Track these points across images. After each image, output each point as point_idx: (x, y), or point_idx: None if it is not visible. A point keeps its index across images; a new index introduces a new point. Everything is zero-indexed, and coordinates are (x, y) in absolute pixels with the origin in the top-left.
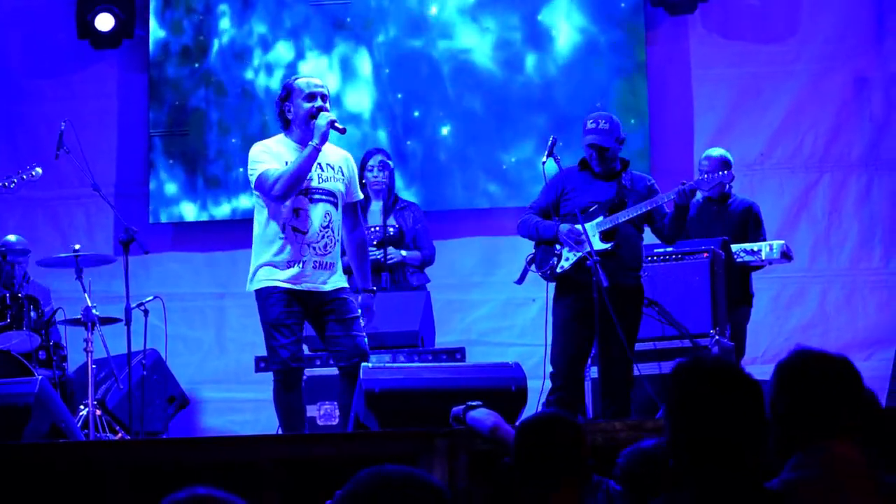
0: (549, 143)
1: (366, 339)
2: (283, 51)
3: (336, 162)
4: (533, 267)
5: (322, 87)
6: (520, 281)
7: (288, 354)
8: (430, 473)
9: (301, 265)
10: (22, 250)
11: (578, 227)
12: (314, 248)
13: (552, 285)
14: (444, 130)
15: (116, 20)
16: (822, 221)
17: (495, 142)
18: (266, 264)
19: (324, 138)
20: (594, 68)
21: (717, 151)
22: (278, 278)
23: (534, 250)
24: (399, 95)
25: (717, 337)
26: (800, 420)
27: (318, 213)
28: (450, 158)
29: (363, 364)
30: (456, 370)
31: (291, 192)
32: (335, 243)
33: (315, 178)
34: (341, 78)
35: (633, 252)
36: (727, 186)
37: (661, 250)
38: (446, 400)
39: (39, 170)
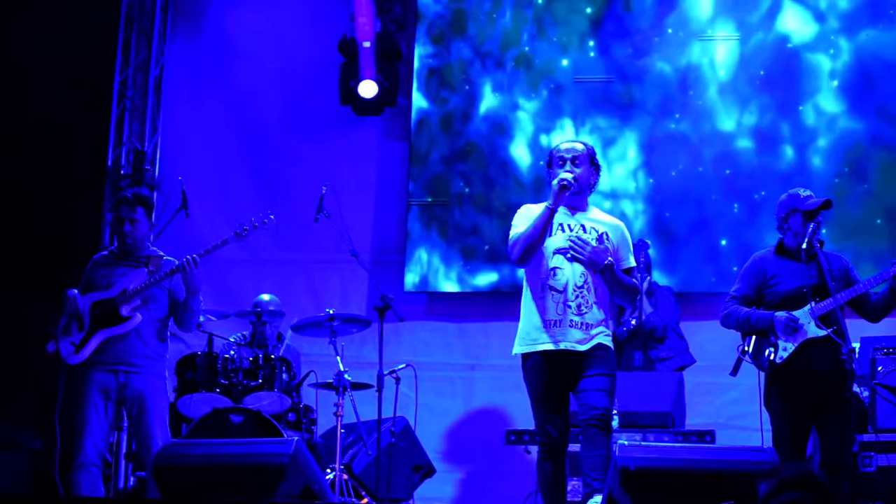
0: (810, 231)
1: (606, 394)
2: (543, 125)
3: (602, 228)
4: (747, 358)
5: (570, 150)
6: (733, 373)
7: (553, 429)
8: None
9: (559, 324)
10: (276, 311)
11: (798, 312)
12: (570, 307)
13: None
14: (696, 213)
15: (380, 87)
16: None
17: (744, 227)
18: (528, 327)
19: (556, 199)
20: (854, 156)
21: None
22: (538, 343)
23: (742, 340)
24: (650, 180)
25: None
26: None
27: (574, 273)
28: (699, 241)
29: (620, 442)
30: (711, 451)
31: (528, 256)
32: (591, 305)
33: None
34: (601, 154)
35: (844, 333)
36: None
37: None
38: (701, 481)
39: (272, 216)
